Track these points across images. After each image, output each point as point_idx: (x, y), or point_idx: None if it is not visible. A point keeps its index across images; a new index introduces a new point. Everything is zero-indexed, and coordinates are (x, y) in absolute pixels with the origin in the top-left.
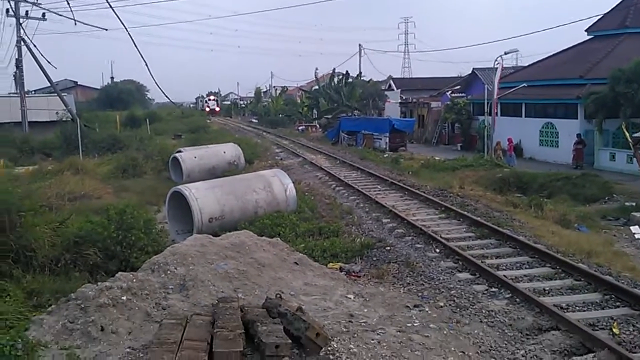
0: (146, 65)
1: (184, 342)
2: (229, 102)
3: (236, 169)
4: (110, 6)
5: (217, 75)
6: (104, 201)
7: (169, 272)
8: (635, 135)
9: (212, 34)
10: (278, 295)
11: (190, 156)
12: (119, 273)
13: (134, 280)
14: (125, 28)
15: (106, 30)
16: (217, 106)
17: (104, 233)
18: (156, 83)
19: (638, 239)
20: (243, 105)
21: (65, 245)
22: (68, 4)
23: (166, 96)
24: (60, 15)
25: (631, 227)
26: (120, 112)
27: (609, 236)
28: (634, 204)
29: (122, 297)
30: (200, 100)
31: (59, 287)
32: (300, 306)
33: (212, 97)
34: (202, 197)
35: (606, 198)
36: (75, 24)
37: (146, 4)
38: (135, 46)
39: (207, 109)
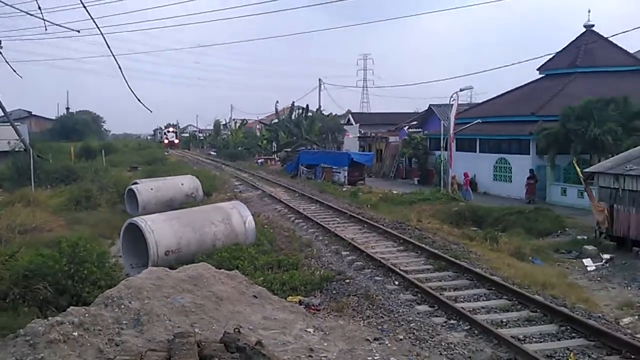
0: (124, 78)
1: None
2: (187, 135)
3: (194, 201)
4: (95, 22)
5: (176, 107)
6: (56, 234)
7: (122, 306)
8: (586, 170)
9: (174, 66)
10: (236, 330)
11: (146, 188)
12: (71, 308)
13: (86, 315)
14: (108, 46)
15: (78, 32)
16: (176, 138)
17: (55, 267)
18: (135, 95)
19: (590, 271)
20: (202, 138)
21: (14, 279)
22: (39, 7)
23: (143, 104)
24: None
25: (583, 260)
26: (75, 143)
27: (563, 269)
28: (585, 237)
29: (74, 333)
30: (159, 132)
31: (7, 323)
32: (259, 340)
33: (170, 129)
34: (159, 230)
35: (558, 232)
36: (46, 29)
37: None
38: (116, 61)
39: (166, 141)
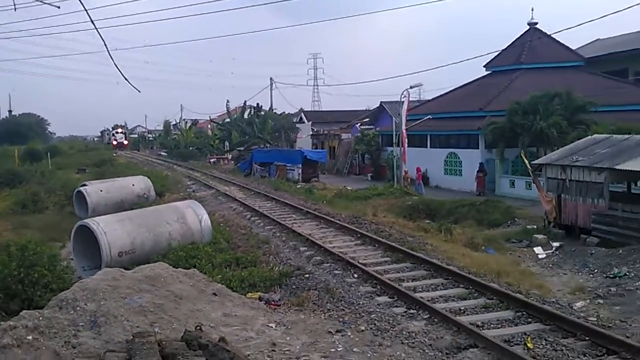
0: (109, 54)
1: None
2: (136, 135)
3: (146, 202)
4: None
5: (123, 107)
6: (2, 238)
7: (78, 308)
8: (534, 162)
9: (121, 66)
10: (198, 328)
11: (96, 190)
12: (24, 311)
13: (40, 318)
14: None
15: (58, 7)
16: (125, 139)
17: (4, 271)
18: (123, 75)
19: (541, 258)
20: (152, 139)
21: None
22: None
23: (130, 84)
24: None
25: (534, 248)
26: (19, 146)
27: (515, 257)
28: (535, 226)
29: (28, 337)
30: (107, 134)
31: None
32: (222, 337)
33: (119, 130)
34: (111, 231)
35: (509, 222)
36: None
37: (45, 35)
38: (100, 36)
39: (115, 142)
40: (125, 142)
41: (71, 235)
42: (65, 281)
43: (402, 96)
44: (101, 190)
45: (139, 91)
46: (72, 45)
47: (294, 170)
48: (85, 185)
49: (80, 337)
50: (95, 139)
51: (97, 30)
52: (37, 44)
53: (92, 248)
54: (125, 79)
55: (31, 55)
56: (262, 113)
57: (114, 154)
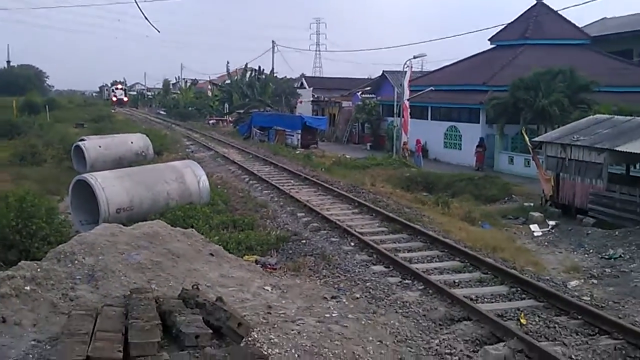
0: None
1: (97, 333)
2: (135, 93)
3: (144, 160)
4: None
5: (122, 64)
6: (0, 189)
7: (76, 261)
8: (535, 139)
9: (119, 21)
10: (195, 286)
11: (94, 145)
12: (22, 262)
13: (39, 269)
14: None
15: None
16: (125, 96)
17: (2, 221)
18: (145, 16)
19: (537, 236)
20: (151, 97)
21: None
22: None
23: (152, 24)
24: None
25: (530, 226)
26: (17, 97)
27: (511, 233)
28: (532, 204)
29: (26, 287)
30: (107, 89)
31: None
32: (219, 297)
33: (119, 86)
34: (110, 187)
35: (506, 199)
36: None
37: None
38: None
39: (114, 99)
40: (125, 99)
41: (69, 189)
42: (63, 234)
43: (405, 66)
44: (100, 146)
45: (159, 31)
46: None
47: (293, 135)
48: (83, 140)
49: (77, 290)
50: (94, 94)
51: None
52: None
53: (90, 203)
54: (147, 20)
55: (28, 4)
56: (263, 76)
57: (112, 110)
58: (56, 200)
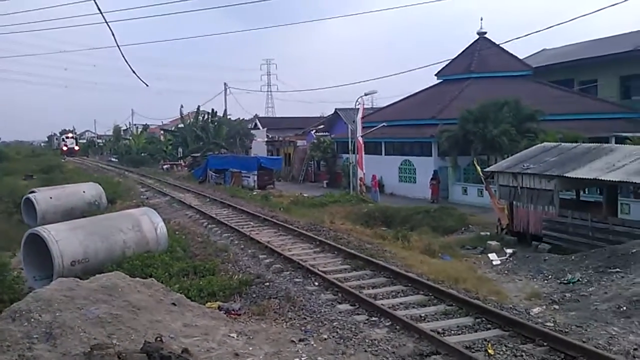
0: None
1: None
2: (85, 141)
3: (97, 209)
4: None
5: (71, 112)
6: None
7: (32, 319)
8: (486, 169)
9: (67, 70)
10: (158, 339)
11: (45, 197)
12: None
13: None
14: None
15: None
16: (76, 144)
17: None
18: (131, 67)
19: (496, 265)
20: (101, 144)
21: None
22: None
23: (140, 78)
24: None
25: (489, 255)
26: None
27: (470, 263)
28: (488, 233)
29: None
30: (56, 139)
31: None
32: (185, 348)
33: (69, 135)
34: (63, 239)
35: (463, 229)
36: None
37: None
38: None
39: (65, 148)
40: (76, 148)
41: (21, 244)
42: (16, 291)
43: (357, 103)
44: (51, 198)
45: (147, 85)
46: (13, 46)
47: (249, 177)
48: (33, 192)
49: (35, 350)
50: (42, 144)
51: (107, 24)
52: None
53: (43, 257)
54: (134, 72)
55: None
56: (216, 118)
57: (62, 160)
58: (8, 256)
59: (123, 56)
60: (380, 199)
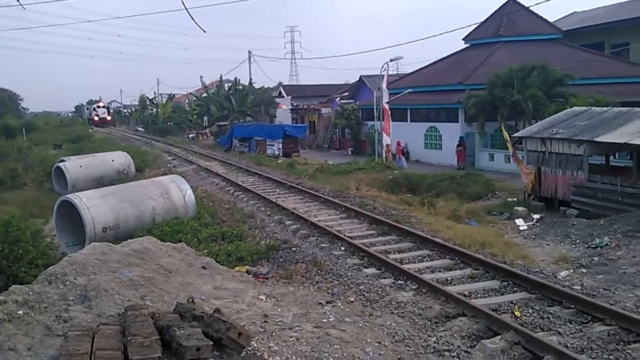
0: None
1: (96, 352)
2: (112, 111)
3: (126, 177)
4: None
5: (97, 82)
6: None
7: (68, 282)
8: (514, 135)
9: (92, 39)
10: (190, 300)
11: (75, 165)
12: (13, 286)
13: (30, 293)
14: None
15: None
16: (108, 114)
17: None
18: (192, 18)
19: (523, 230)
20: (128, 114)
21: None
22: None
23: (197, 24)
24: None
25: (515, 220)
26: None
27: (497, 229)
28: (515, 199)
29: (18, 312)
30: (87, 109)
31: None
32: (217, 308)
33: (101, 104)
34: (94, 206)
35: (489, 195)
36: None
37: (12, 5)
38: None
39: (96, 118)
40: (108, 118)
41: (53, 211)
42: (50, 257)
43: (382, 69)
44: (80, 166)
45: (205, 31)
46: (41, 17)
47: (274, 145)
48: (63, 161)
49: (71, 311)
50: (70, 114)
51: None
52: (4, 16)
53: (75, 224)
54: (192, 19)
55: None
56: (240, 87)
57: (91, 130)
58: (41, 223)
59: (186, 9)
60: (406, 165)
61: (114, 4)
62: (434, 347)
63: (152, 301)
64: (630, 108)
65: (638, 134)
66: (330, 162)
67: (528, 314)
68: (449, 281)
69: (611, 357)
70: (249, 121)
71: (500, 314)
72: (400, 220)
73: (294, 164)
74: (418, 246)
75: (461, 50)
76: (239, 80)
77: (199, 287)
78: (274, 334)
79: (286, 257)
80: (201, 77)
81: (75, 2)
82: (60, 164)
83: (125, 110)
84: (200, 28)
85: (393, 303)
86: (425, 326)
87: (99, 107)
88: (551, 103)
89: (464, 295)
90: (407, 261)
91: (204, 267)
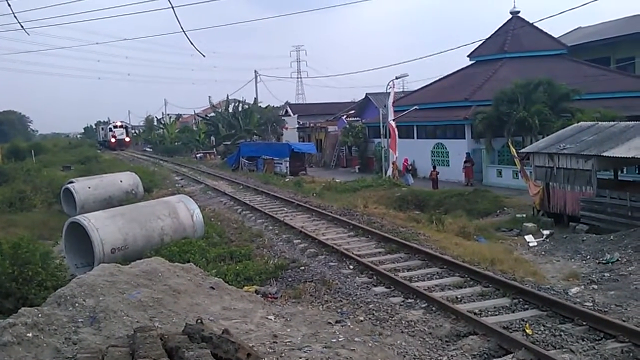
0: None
1: None
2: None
3: (134, 198)
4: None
5: (105, 103)
6: None
7: (77, 304)
8: (522, 151)
9: (100, 62)
10: (198, 321)
11: (83, 186)
12: (23, 309)
13: (40, 315)
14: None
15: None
16: (127, 135)
17: None
18: (189, 39)
19: (533, 246)
20: (135, 134)
21: None
22: None
23: (196, 49)
24: None
25: (525, 237)
26: (1, 144)
27: (506, 245)
28: (524, 215)
29: (28, 334)
30: (102, 129)
31: None
32: (226, 329)
33: (118, 123)
34: (103, 227)
35: (498, 211)
36: None
37: (17, 30)
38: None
39: (113, 140)
40: (127, 139)
41: (62, 233)
42: (59, 278)
43: (388, 87)
44: (89, 187)
45: (204, 56)
46: (48, 40)
47: (281, 163)
48: (72, 182)
49: (80, 333)
50: (78, 135)
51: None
52: (13, 39)
53: (83, 245)
54: (191, 44)
55: (6, 50)
56: (247, 107)
57: (98, 151)
58: (50, 245)
59: (186, 35)
60: (412, 182)
61: (122, 27)
62: None
63: (160, 322)
64: (638, 122)
65: None
66: (337, 180)
67: (539, 332)
68: (459, 299)
69: None
70: (255, 140)
71: (511, 332)
72: (409, 238)
73: (301, 182)
74: (427, 264)
75: (466, 67)
76: (245, 99)
77: (207, 307)
78: (283, 354)
79: (295, 276)
80: (210, 97)
81: (83, 25)
82: (69, 185)
83: (133, 131)
84: (200, 52)
85: (403, 322)
86: (436, 345)
87: (115, 127)
88: (558, 118)
89: (475, 314)
90: (416, 279)
91: (212, 288)
